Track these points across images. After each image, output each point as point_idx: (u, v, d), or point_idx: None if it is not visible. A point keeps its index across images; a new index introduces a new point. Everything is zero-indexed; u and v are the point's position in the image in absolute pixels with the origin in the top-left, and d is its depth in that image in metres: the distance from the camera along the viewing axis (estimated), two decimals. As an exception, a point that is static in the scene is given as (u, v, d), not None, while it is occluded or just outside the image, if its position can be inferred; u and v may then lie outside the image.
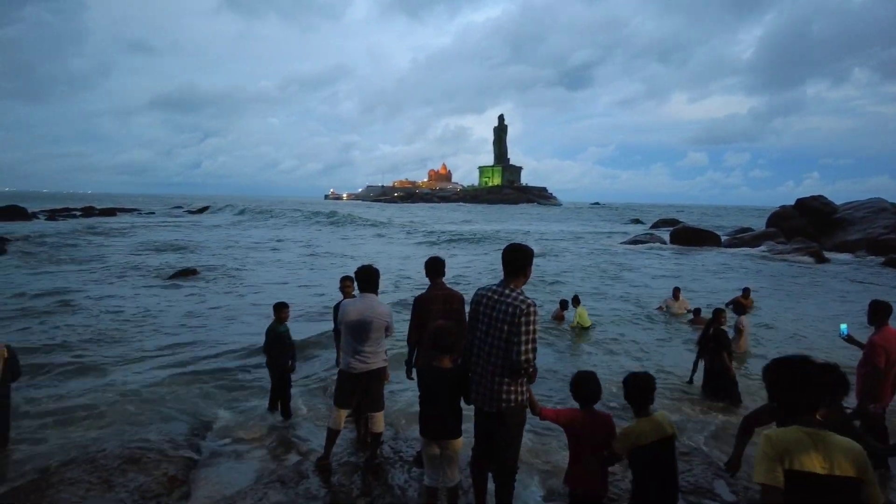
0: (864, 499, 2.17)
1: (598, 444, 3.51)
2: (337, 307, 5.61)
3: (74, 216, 52.85)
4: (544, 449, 5.69)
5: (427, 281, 5.00)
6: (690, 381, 7.96)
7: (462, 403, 3.84)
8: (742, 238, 35.71)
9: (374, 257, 24.14)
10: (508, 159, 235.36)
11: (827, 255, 28.37)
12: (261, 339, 6.68)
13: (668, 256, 29.30)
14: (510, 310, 3.48)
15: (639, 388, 3.48)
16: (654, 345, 10.72)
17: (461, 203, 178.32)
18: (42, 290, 14.57)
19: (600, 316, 12.73)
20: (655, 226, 56.00)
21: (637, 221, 71.49)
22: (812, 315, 14.15)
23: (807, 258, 27.02)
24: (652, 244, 36.28)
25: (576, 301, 11.97)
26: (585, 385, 3.62)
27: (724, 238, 37.28)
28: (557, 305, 12.42)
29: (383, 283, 5.20)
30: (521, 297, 3.52)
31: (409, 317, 4.99)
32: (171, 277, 17.44)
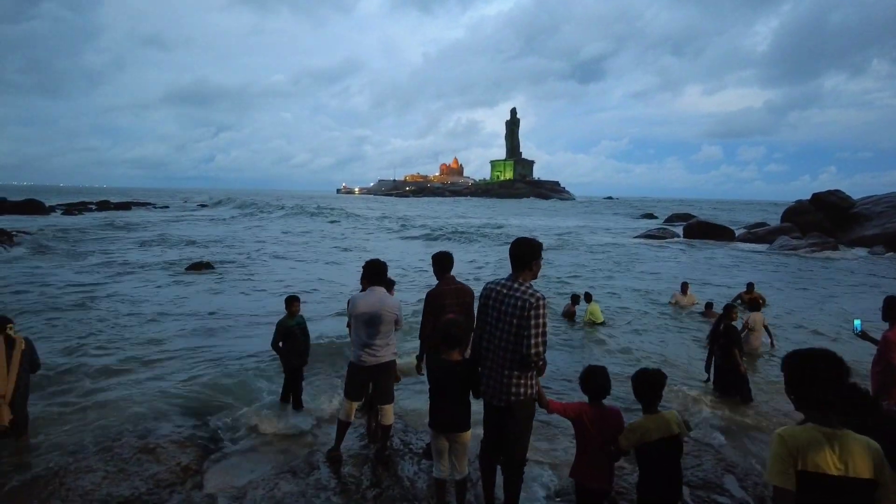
0: (877, 500, 2.10)
1: (606, 438, 3.51)
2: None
3: (90, 210, 53.52)
4: (552, 442, 5.70)
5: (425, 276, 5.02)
6: (708, 379, 7.87)
7: (471, 397, 3.86)
8: (756, 233, 35.31)
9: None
10: (521, 153, 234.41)
11: (843, 250, 28.00)
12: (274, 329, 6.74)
13: (681, 251, 29.08)
14: (519, 303, 3.49)
15: (648, 384, 3.48)
16: (665, 340, 10.67)
17: (471, 197, 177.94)
18: (62, 283, 14.79)
19: (612, 311, 12.68)
20: (669, 220, 55.59)
21: (650, 216, 70.98)
22: (825, 310, 13.99)
23: (822, 253, 26.68)
24: (665, 239, 36.03)
25: (588, 297, 11.94)
26: (594, 379, 3.63)
27: (738, 233, 36.93)
28: (569, 301, 12.39)
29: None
30: (529, 291, 3.53)
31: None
32: (187, 270, 17.63)
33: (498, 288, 3.67)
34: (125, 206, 61.59)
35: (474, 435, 4.00)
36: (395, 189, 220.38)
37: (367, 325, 4.70)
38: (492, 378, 3.66)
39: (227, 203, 74.64)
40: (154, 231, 33.04)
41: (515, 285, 3.59)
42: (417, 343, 5.12)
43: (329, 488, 4.45)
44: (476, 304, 4.11)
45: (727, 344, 7.37)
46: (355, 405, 4.92)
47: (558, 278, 18.27)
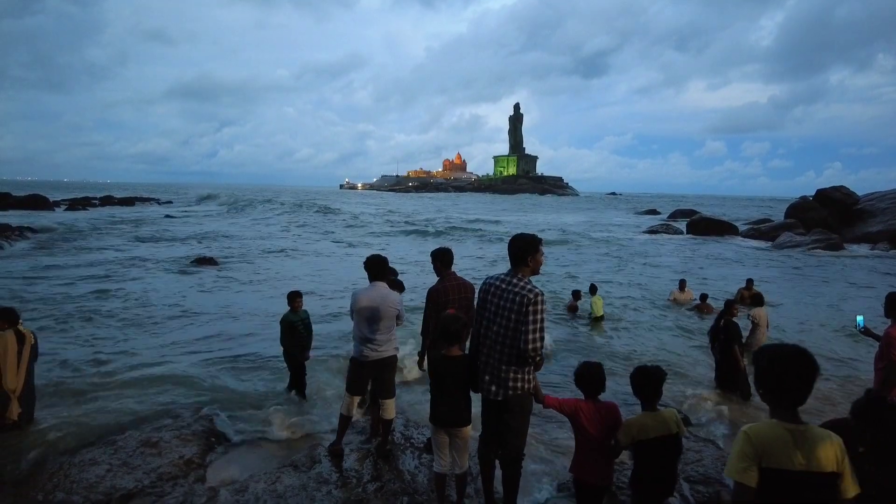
0: (840, 490, 2.15)
1: (603, 434, 3.52)
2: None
3: (94, 205, 53.68)
4: (552, 436, 5.73)
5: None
6: (715, 378, 7.85)
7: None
8: (760, 229, 35.23)
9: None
10: (524, 148, 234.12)
11: (847, 246, 27.91)
12: (277, 324, 6.78)
13: (684, 247, 29.04)
14: (517, 298, 3.51)
15: (647, 380, 3.49)
16: (664, 336, 10.68)
17: (475, 193, 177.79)
18: (67, 278, 14.88)
19: (613, 307, 12.68)
20: (672, 216, 55.48)
21: (654, 212, 70.81)
22: (827, 307, 13.97)
23: (825, 249, 26.60)
24: (668, 235, 35.98)
25: (593, 289, 11.93)
26: (589, 376, 3.64)
27: (741, 229, 36.84)
28: (570, 297, 12.40)
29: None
30: (528, 286, 3.54)
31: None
32: (191, 264, 17.71)
33: (497, 283, 3.68)
34: (129, 201, 61.76)
35: (474, 429, 4.02)
36: (397, 184, 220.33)
37: (368, 319, 4.72)
38: (490, 373, 3.68)
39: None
40: (156, 227, 33.15)
41: (514, 280, 3.61)
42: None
43: (330, 482, 4.48)
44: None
45: (727, 340, 7.37)
46: (356, 400, 4.95)
47: (562, 274, 18.28)
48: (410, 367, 7.19)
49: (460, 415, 3.83)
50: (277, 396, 6.60)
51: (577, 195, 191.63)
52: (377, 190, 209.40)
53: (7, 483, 4.39)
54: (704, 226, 36.33)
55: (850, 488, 2.15)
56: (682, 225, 39.66)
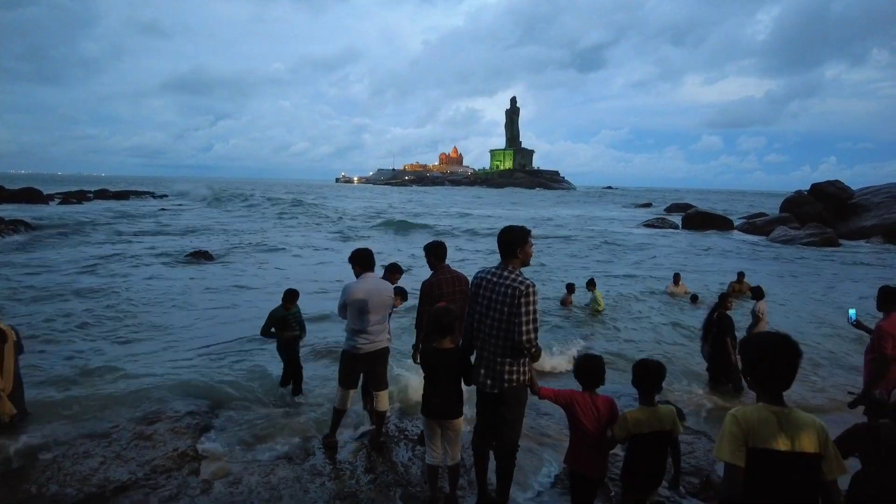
0: (823, 471, 2.24)
1: (598, 426, 3.54)
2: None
3: (88, 199, 53.33)
4: (546, 428, 5.76)
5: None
6: (708, 370, 7.89)
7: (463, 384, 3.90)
8: (755, 223, 35.37)
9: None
10: (520, 142, 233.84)
11: (841, 241, 28.05)
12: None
13: (679, 241, 29.12)
14: (510, 291, 3.52)
15: (648, 374, 3.51)
16: (659, 329, 10.73)
17: (470, 187, 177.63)
18: (63, 272, 14.82)
19: (610, 301, 12.72)
20: (668, 210, 55.62)
21: (649, 206, 70.95)
22: (820, 300, 14.05)
23: (820, 244, 26.72)
24: (664, 229, 36.08)
25: (591, 284, 11.94)
26: (589, 368, 3.65)
27: (737, 223, 36.97)
28: (565, 290, 12.43)
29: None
30: (519, 279, 3.55)
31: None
32: (187, 258, 17.66)
33: (488, 276, 3.69)
34: (123, 194, 61.39)
35: (467, 421, 4.04)
36: (394, 178, 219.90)
37: (362, 311, 4.71)
38: (485, 365, 3.69)
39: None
40: (151, 220, 33.02)
41: (505, 273, 3.62)
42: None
43: (324, 474, 4.49)
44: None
45: (720, 333, 7.42)
46: (350, 393, 4.95)
47: (557, 267, 18.31)
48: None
49: (452, 407, 3.84)
50: (272, 390, 6.61)
51: (574, 189, 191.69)
52: (373, 184, 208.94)
53: None
54: (700, 220, 36.46)
55: (834, 470, 2.24)
56: (677, 219, 39.77)
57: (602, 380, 3.66)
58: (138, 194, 65.43)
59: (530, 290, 3.51)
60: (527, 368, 3.70)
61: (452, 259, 5.16)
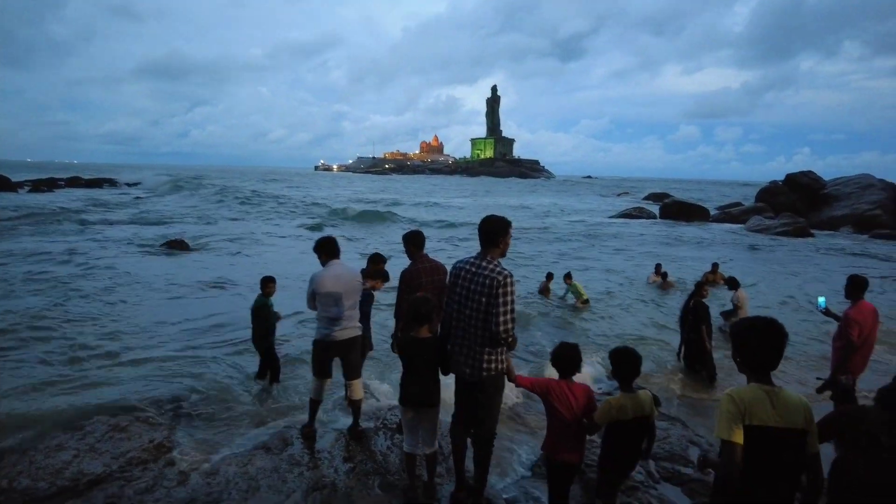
0: (807, 445, 2.43)
1: (574, 413, 3.59)
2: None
3: (60, 186, 52.00)
4: (525, 415, 5.82)
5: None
6: (678, 356, 8.06)
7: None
8: (731, 213, 36.00)
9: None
10: (501, 131, 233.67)
11: (813, 230, 28.69)
12: (247, 310, 6.73)
13: (657, 230, 29.49)
14: (487, 281, 3.54)
15: (626, 362, 3.58)
16: (636, 318, 10.88)
17: (452, 175, 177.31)
18: (37, 261, 14.48)
19: (590, 293, 12.85)
20: (646, 199, 56.23)
21: (628, 195, 71.63)
22: (791, 289, 14.37)
23: (793, 233, 27.30)
24: (642, 218, 36.48)
25: (567, 277, 12.02)
26: (565, 356, 3.69)
27: (713, 212, 37.54)
28: (544, 278, 12.52)
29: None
30: (497, 269, 3.57)
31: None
32: (162, 248, 17.38)
33: (467, 266, 3.70)
34: (97, 182, 59.93)
35: (446, 409, 4.05)
36: (374, 166, 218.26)
37: (333, 299, 4.68)
38: (463, 355, 3.71)
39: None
40: (126, 209, 32.37)
41: (484, 263, 3.63)
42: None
43: (303, 463, 4.49)
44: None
45: (696, 321, 7.55)
46: (325, 383, 4.93)
47: (530, 254, 18.42)
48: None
49: (429, 395, 3.86)
50: (249, 381, 6.57)
51: (554, 177, 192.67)
52: (353, 172, 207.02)
53: (-31, 470, 4.29)
54: (677, 209, 36.92)
55: (816, 445, 2.45)
56: (655, 208, 40.23)
57: (578, 368, 3.71)
58: (112, 182, 63.82)
59: (508, 280, 3.53)
60: (504, 357, 3.73)
61: (429, 248, 5.15)
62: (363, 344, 5.60)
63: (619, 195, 73.49)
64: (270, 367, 6.55)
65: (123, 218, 26.84)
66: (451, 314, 3.79)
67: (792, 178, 35.55)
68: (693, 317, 7.60)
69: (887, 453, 2.50)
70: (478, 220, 3.83)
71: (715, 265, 13.80)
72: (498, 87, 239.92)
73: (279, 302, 6.70)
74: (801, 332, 10.08)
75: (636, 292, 13.22)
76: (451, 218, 33.36)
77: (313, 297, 4.74)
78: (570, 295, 11.71)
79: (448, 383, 3.94)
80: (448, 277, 3.89)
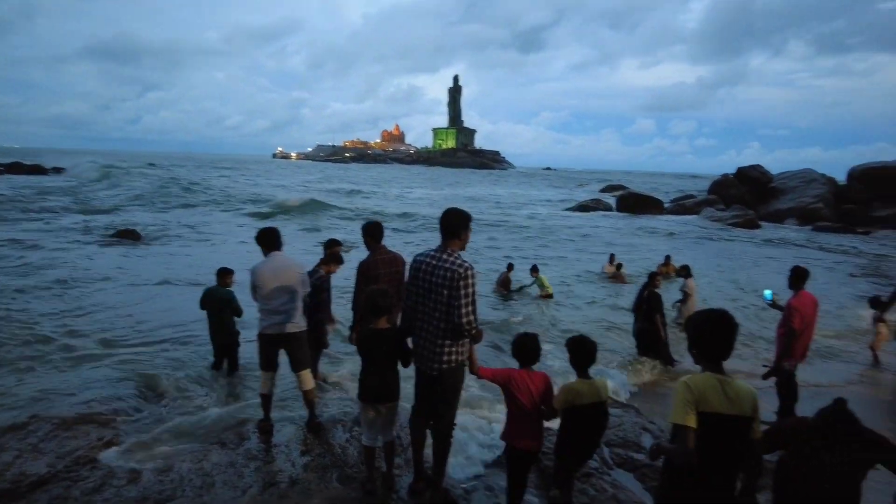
0: (752, 431, 2.56)
1: (534, 402, 3.64)
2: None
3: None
4: (485, 406, 5.89)
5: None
6: (637, 346, 8.24)
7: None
8: (684, 205, 37.11)
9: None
10: (462, 121, 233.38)
11: (761, 222, 29.89)
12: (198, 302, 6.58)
13: (613, 221, 30.13)
14: (448, 274, 3.54)
15: (582, 350, 3.66)
16: (593, 308, 11.12)
17: (414, 165, 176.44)
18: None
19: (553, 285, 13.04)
20: (604, 191, 57.34)
21: (586, 187, 72.84)
22: (738, 279, 14.94)
23: (742, 225, 28.38)
24: (599, 210, 37.19)
25: (534, 270, 12.14)
26: (524, 346, 3.74)
27: (667, 204, 38.60)
28: (504, 269, 12.63)
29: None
30: (458, 262, 3.58)
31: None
32: (112, 237, 16.75)
33: (427, 259, 3.70)
34: (39, 169, 57.00)
35: (406, 399, 4.05)
36: (334, 154, 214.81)
37: (271, 292, 4.60)
38: (425, 347, 3.72)
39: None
40: (69, 197, 31.00)
41: (444, 256, 3.63)
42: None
43: (259, 458, 4.42)
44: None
45: (649, 310, 7.77)
46: (271, 375, 4.83)
47: (488, 247, 18.56)
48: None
49: (389, 389, 3.85)
50: (204, 374, 6.42)
51: (515, 168, 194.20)
52: (312, 160, 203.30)
53: None
54: (633, 201, 37.77)
55: (758, 431, 2.59)
56: (612, 200, 41.07)
57: (537, 357, 3.77)
58: (57, 171, 60.66)
59: (469, 272, 3.54)
60: (465, 349, 3.75)
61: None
62: (318, 336, 5.54)
63: (578, 186, 74.65)
64: (229, 358, 6.46)
65: (65, 206, 25.70)
66: (412, 307, 3.78)
67: (742, 172, 36.91)
68: (647, 306, 7.81)
69: (829, 469, 2.63)
70: (438, 212, 3.83)
71: (668, 257, 14.20)
72: (459, 78, 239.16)
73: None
74: (745, 320, 10.48)
75: (592, 283, 13.49)
76: (410, 209, 33.18)
77: (255, 290, 4.66)
78: (534, 287, 11.84)
79: (408, 375, 3.94)
80: (409, 271, 3.88)
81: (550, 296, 11.53)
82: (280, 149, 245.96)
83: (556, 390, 3.70)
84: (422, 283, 3.69)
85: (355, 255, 5.32)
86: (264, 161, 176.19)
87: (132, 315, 8.98)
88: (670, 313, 9.63)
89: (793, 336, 5.58)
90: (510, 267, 12.54)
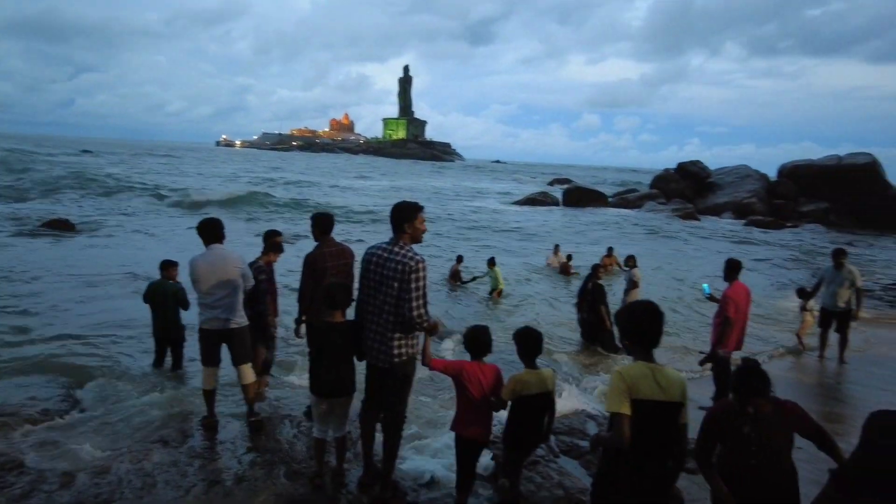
0: (680, 417, 2.70)
1: (484, 393, 3.69)
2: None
3: None
4: (434, 399, 5.92)
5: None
6: (582, 336, 8.44)
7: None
8: (627, 198, 38.27)
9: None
10: (413, 112, 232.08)
11: (700, 215, 31.21)
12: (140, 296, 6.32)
13: (559, 215, 30.76)
14: (399, 267, 3.53)
15: (529, 341, 3.72)
16: (540, 300, 11.35)
17: (364, 155, 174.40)
18: None
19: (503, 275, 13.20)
20: (550, 185, 58.44)
21: (533, 180, 74.01)
22: (678, 269, 15.58)
23: (682, 218, 29.57)
24: (546, 203, 37.86)
25: (491, 263, 12.20)
26: (476, 338, 3.78)
27: (610, 198, 39.69)
28: (454, 262, 12.69)
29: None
30: (409, 254, 3.57)
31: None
32: (42, 227, 15.81)
33: (379, 252, 3.67)
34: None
35: (356, 393, 4.02)
36: (280, 143, 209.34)
37: (212, 286, 4.48)
38: (376, 341, 3.69)
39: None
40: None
41: (395, 249, 3.62)
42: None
43: (203, 456, 4.29)
44: (357, 268, 4.09)
45: (594, 301, 8.00)
46: (213, 371, 4.70)
47: (439, 243, 18.62)
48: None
49: (344, 384, 3.81)
50: (146, 370, 6.20)
51: (464, 160, 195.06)
52: (258, 148, 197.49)
53: None
54: (578, 195, 38.64)
55: (686, 417, 2.72)
56: (558, 193, 41.91)
57: (489, 349, 3.81)
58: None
59: (420, 265, 3.54)
60: (416, 342, 3.75)
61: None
62: (262, 328, 5.41)
63: (526, 181, 75.71)
64: (173, 353, 6.30)
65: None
66: (364, 301, 3.75)
67: (682, 167, 38.38)
68: (591, 297, 8.04)
69: (754, 442, 2.75)
70: (386, 203, 3.80)
71: (610, 249, 14.62)
72: (410, 68, 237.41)
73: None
74: (683, 310, 10.95)
75: (538, 276, 13.75)
76: (357, 200, 32.85)
77: (193, 284, 4.54)
78: (488, 278, 11.89)
79: (359, 369, 3.91)
80: (360, 263, 3.84)
81: (500, 292, 11.64)
82: (224, 136, 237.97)
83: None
84: (373, 275, 3.66)
85: (304, 247, 5.22)
86: (207, 148, 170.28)
87: (70, 309, 8.56)
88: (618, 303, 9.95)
89: (728, 325, 5.87)
90: (459, 259, 12.62)
